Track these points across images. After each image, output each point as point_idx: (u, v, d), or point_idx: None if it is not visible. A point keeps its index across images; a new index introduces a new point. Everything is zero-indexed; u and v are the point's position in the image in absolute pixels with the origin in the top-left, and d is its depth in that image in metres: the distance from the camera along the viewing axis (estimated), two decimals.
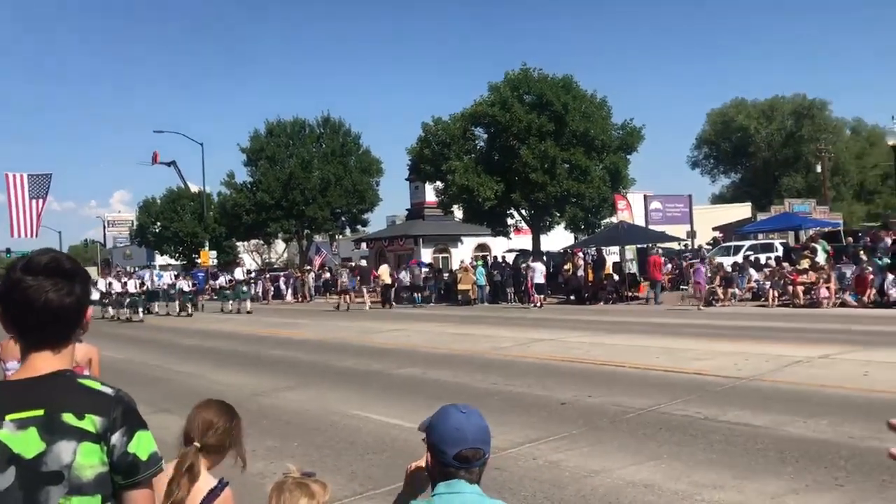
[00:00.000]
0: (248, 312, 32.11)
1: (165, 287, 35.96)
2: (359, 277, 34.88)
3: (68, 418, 1.78)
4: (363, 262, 44.21)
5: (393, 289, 34.83)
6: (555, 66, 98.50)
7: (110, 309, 33.33)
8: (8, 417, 1.78)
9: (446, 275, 38.26)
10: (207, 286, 41.39)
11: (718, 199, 76.36)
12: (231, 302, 34.78)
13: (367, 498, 6.33)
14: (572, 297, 30.28)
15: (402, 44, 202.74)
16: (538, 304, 28.35)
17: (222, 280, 38.40)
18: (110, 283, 34.04)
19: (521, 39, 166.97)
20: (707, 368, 11.42)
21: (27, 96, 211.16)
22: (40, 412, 1.78)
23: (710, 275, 26.27)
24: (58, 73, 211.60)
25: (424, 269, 38.45)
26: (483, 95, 35.50)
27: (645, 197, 40.25)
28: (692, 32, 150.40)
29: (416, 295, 35.12)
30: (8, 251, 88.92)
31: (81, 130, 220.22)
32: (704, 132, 76.36)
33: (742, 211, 56.52)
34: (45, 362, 1.87)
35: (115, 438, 1.81)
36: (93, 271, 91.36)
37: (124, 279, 34.30)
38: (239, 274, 36.92)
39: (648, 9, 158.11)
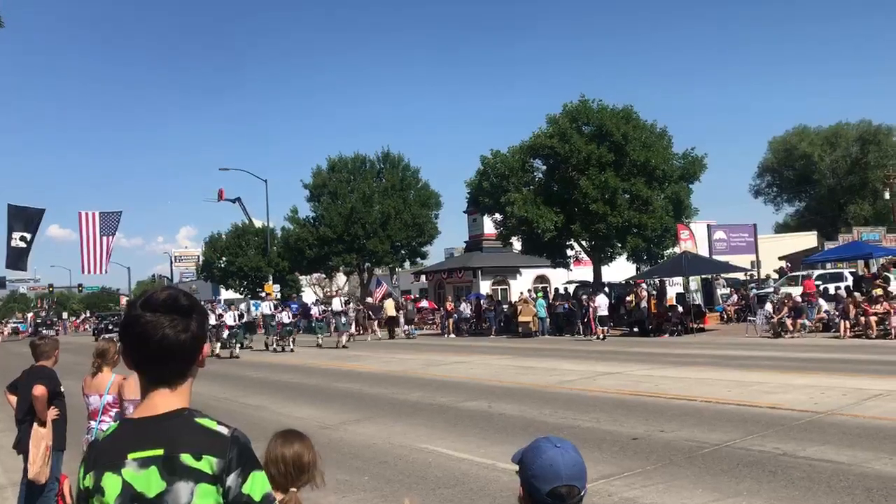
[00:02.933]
0: (344, 347, 29.62)
1: (264, 318, 33.02)
2: (369, 311, 34.65)
3: (186, 459, 1.81)
4: (369, 299, 43.27)
5: (397, 321, 35.17)
6: (614, 97, 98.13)
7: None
8: (130, 456, 1.83)
9: (506, 306, 38.15)
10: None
11: (782, 228, 74.68)
12: (321, 336, 32.21)
13: None
14: (635, 329, 29.84)
15: (460, 78, 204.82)
16: (601, 336, 28.02)
17: (316, 311, 35.88)
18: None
19: (580, 71, 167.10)
20: (782, 402, 11.11)
21: (104, 139, 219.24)
22: (160, 451, 1.82)
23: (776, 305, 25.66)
24: (130, 117, 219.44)
25: (483, 302, 38.47)
26: (541, 127, 35.58)
27: (708, 227, 39.58)
28: (753, 60, 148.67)
29: (409, 327, 35.53)
30: (80, 287, 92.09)
31: (151, 169, 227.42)
32: (767, 160, 74.94)
33: (807, 240, 55.15)
34: (163, 400, 1.91)
35: (231, 480, 1.83)
36: None
37: (220, 311, 31.94)
38: (337, 304, 33.44)
39: (708, 37, 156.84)
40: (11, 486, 8.11)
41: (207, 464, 1.82)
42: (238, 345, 29.11)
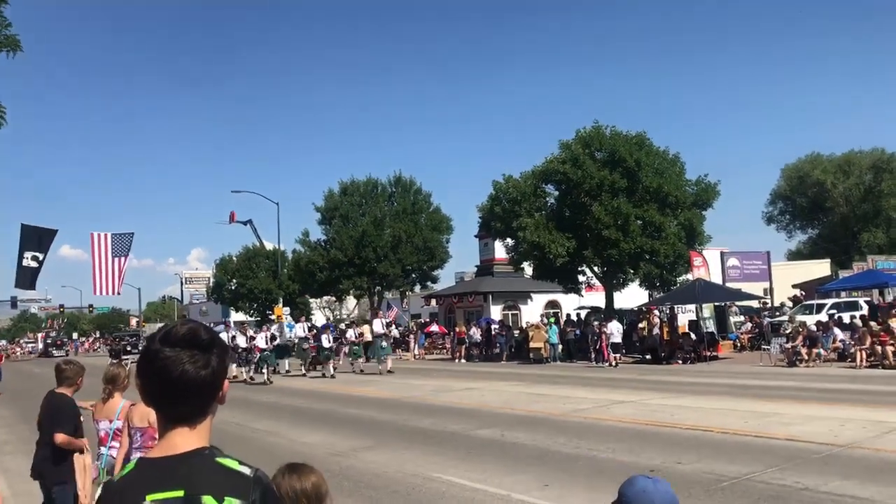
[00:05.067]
0: (390, 372, 27.60)
1: (297, 341, 30.54)
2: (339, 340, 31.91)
3: (208, 501, 1.73)
4: (343, 325, 40.17)
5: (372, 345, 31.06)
6: (626, 124, 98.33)
7: (234, 367, 27.26)
8: (149, 498, 1.74)
9: (517, 332, 37.94)
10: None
11: (795, 255, 74.20)
12: (360, 360, 29.62)
13: None
14: (648, 357, 29.59)
15: (472, 103, 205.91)
16: (614, 364, 27.78)
17: (351, 334, 31.59)
18: (234, 337, 28.98)
19: (591, 98, 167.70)
20: (801, 434, 10.91)
21: (111, 156, 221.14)
22: (180, 493, 1.74)
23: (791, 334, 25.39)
24: (137, 134, 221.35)
25: (494, 327, 38.28)
26: (554, 153, 35.57)
27: (721, 254, 39.39)
28: (765, 88, 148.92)
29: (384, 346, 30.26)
30: (91, 308, 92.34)
31: (163, 191, 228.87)
32: (779, 187, 74.69)
33: (821, 268, 54.76)
34: (183, 439, 1.83)
35: None
36: None
37: (250, 332, 29.74)
38: (378, 327, 30.05)
39: (722, 64, 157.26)
40: None
41: None
42: (270, 368, 27.31)
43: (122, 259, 31.01)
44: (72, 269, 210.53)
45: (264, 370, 26.92)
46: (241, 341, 28.51)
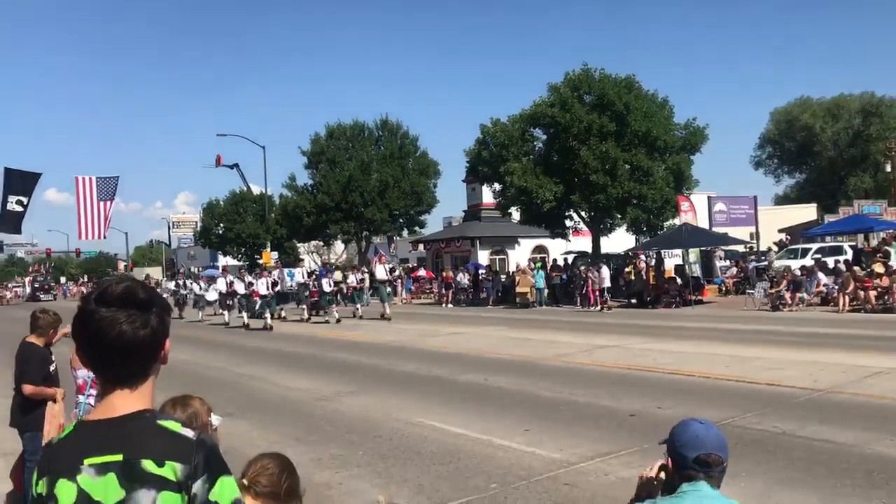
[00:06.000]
0: (388, 319, 26.39)
1: (296, 287, 30.26)
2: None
3: (148, 465, 1.68)
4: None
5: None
6: (616, 67, 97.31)
7: (235, 313, 28.45)
8: (87, 462, 1.69)
9: (503, 277, 38.05)
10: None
11: (782, 200, 74.39)
12: (359, 305, 29.17)
13: None
14: (633, 301, 29.78)
15: (459, 45, 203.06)
16: (607, 308, 27.96)
17: (353, 279, 31.32)
18: (231, 283, 29.04)
19: (582, 40, 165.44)
20: (780, 379, 11.01)
21: (96, 98, 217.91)
22: (119, 457, 1.68)
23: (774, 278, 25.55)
24: (124, 78, 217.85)
25: (481, 272, 38.36)
26: (542, 96, 35.15)
27: (709, 198, 39.38)
28: (754, 30, 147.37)
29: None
30: (77, 252, 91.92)
31: (148, 133, 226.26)
32: (768, 131, 74.43)
33: (807, 212, 54.90)
34: (123, 401, 1.77)
35: (197, 487, 1.70)
36: (157, 271, 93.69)
37: (249, 278, 28.69)
38: (381, 272, 29.12)
39: (710, 6, 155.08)
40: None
41: (171, 470, 1.68)
42: (270, 315, 26.53)
43: (108, 203, 30.67)
44: (58, 213, 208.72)
45: (266, 315, 26.15)
46: (240, 287, 28.04)
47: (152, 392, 1.84)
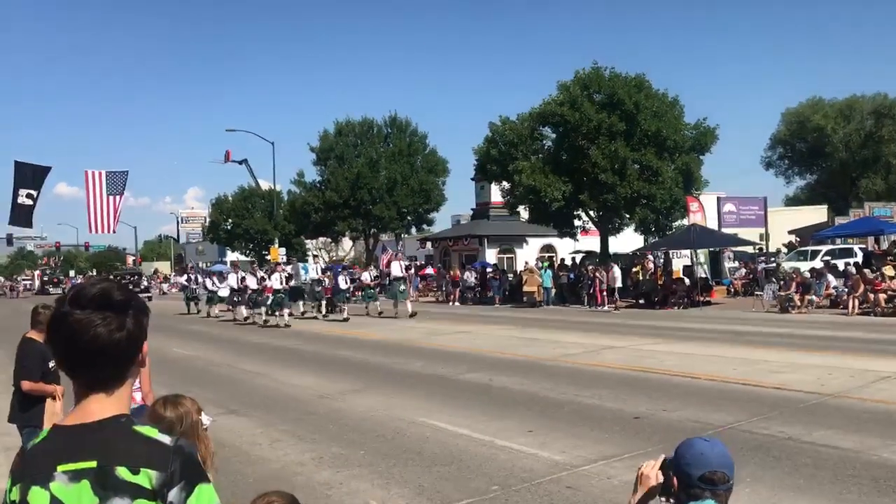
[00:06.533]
0: (412, 315, 26.15)
1: (310, 283, 29.47)
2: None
3: (122, 472, 1.62)
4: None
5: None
6: (626, 66, 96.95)
7: (243, 309, 27.95)
8: (60, 468, 1.63)
9: (511, 276, 37.92)
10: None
11: (793, 201, 74.00)
12: (369, 303, 28.73)
13: None
14: (641, 301, 29.66)
15: (470, 44, 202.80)
16: (615, 308, 27.88)
17: (366, 276, 31.18)
18: (243, 278, 28.53)
19: (592, 39, 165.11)
20: (788, 382, 10.90)
21: (107, 93, 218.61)
22: (93, 464, 1.63)
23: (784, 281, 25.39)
24: (134, 73, 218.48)
25: (489, 270, 38.28)
26: (552, 95, 34.98)
27: (718, 199, 39.03)
28: (767, 30, 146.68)
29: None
30: (87, 245, 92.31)
31: (157, 128, 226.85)
32: (779, 132, 74.01)
33: (818, 214, 54.57)
34: (99, 406, 1.71)
35: (173, 495, 1.64)
36: (165, 266, 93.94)
37: (261, 273, 28.10)
38: (396, 270, 28.23)
39: (722, 7, 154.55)
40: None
41: (146, 477, 1.63)
42: (287, 311, 25.83)
43: (117, 197, 30.63)
44: (68, 207, 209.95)
45: (283, 312, 25.41)
46: (252, 283, 27.44)
47: (129, 396, 1.79)
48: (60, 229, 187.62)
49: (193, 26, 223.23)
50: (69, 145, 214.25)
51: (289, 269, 29.61)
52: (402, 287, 27.77)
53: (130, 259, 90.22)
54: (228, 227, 65.92)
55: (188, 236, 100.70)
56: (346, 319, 25.78)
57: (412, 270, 33.21)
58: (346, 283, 27.83)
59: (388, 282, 30.06)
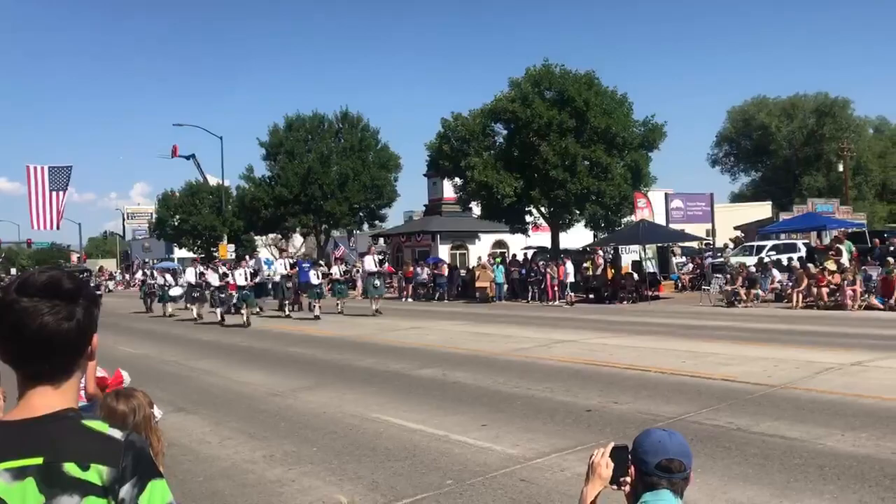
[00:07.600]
0: (378, 312, 25.51)
1: (278, 279, 27.65)
2: None
3: (70, 469, 1.55)
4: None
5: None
6: (576, 62, 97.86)
7: (206, 307, 26.69)
8: (2, 466, 1.55)
9: (463, 272, 37.98)
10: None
11: (738, 198, 75.62)
12: (339, 300, 27.40)
13: None
14: (591, 296, 29.98)
15: (421, 39, 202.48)
16: (569, 303, 28.15)
17: (336, 271, 29.99)
18: (201, 274, 27.22)
19: (541, 35, 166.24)
20: (735, 374, 11.10)
21: (49, 86, 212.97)
22: (39, 460, 1.55)
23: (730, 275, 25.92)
24: (78, 65, 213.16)
25: (443, 266, 38.24)
26: (503, 91, 35.22)
27: (666, 195, 39.71)
28: (713, 29, 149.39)
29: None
30: (29, 242, 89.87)
31: (102, 122, 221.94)
32: (725, 130, 75.61)
33: (762, 210, 55.85)
34: (44, 400, 1.63)
35: (125, 491, 1.57)
36: (111, 263, 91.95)
37: (223, 269, 26.43)
38: (370, 264, 27.65)
39: (668, 4, 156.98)
40: None
41: (96, 473, 1.55)
42: (252, 309, 24.58)
43: (61, 193, 29.93)
44: (9, 202, 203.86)
45: (243, 311, 23.85)
46: (213, 279, 25.87)
47: (77, 390, 1.71)
48: (1, 226, 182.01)
49: (140, 19, 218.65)
50: (9, 139, 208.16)
51: (252, 263, 27.88)
52: (377, 282, 26.90)
53: (75, 256, 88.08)
54: (175, 224, 64.75)
55: (134, 233, 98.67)
56: (317, 318, 24.55)
57: (386, 264, 32.10)
58: (318, 278, 26.60)
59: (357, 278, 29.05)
